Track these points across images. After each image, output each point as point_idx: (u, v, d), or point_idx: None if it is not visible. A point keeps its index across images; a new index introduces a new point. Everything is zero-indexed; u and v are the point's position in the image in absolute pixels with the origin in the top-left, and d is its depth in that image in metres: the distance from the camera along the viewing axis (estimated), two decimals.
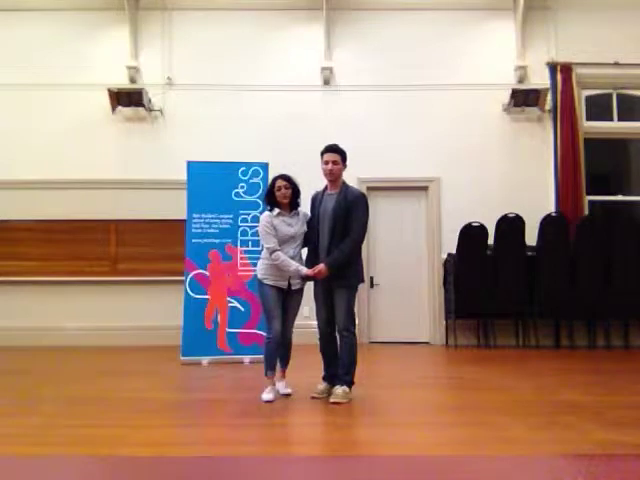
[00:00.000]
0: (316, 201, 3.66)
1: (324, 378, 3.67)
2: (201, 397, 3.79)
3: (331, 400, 3.40)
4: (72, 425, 2.97)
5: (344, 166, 3.62)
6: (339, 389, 3.45)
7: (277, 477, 2.25)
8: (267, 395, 3.48)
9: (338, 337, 3.60)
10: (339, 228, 3.48)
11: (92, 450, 2.52)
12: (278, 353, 3.61)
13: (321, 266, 3.44)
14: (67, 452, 2.49)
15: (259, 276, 3.62)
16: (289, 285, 3.60)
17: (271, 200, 3.64)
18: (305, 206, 3.75)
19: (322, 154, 3.60)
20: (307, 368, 3.99)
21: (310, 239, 3.64)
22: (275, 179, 3.64)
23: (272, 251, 3.51)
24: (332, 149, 3.58)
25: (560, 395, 3.73)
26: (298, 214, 3.70)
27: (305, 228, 3.66)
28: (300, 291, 3.68)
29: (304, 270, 3.49)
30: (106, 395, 3.77)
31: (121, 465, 2.34)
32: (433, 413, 3.34)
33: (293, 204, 3.66)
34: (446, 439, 2.70)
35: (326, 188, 3.67)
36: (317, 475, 2.26)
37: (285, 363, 3.76)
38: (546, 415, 3.14)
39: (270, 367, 3.55)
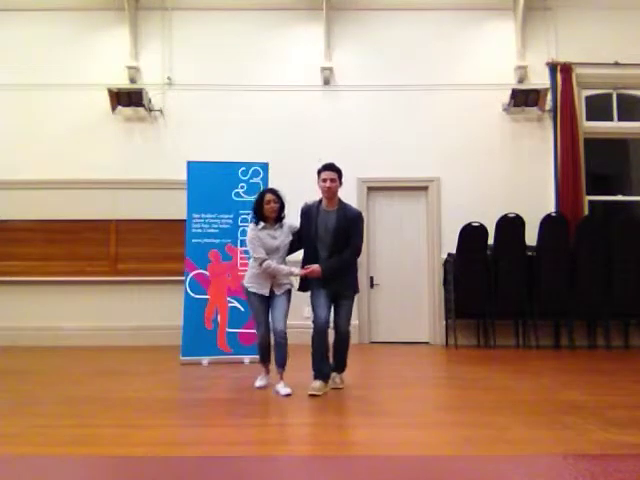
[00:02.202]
0: (311, 214, 3.81)
1: (317, 377, 3.77)
2: (201, 397, 3.79)
3: (333, 386, 3.84)
4: (72, 425, 2.97)
5: (340, 184, 3.80)
6: (337, 377, 3.93)
7: (277, 477, 2.25)
8: (259, 382, 3.94)
9: (336, 336, 3.86)
10: (340, 245, 3.72)
11: (92, 450, 2.52)
12: (268, 350, 3.96)
13: (315, 266, 3.70)
14: (67, 452, 2.49)
15: (245, 284, 3.92)
16: (272, 292, 3.86)
17: (258, 213, 3.87)
18: (295, 210, 3.96)
19: (319, 172, 3.78)
20: (307, 368, 3.99)
21: (306, 254, 3.85)
22: (264, 192, 3.91)
23: (262, 261, 3.77)
24: (330, 167, 3.76)
25: (560, 395, 3.73)
26: (282, 226, 3.92)
27: (290, 238, 3.90)
28: (286, 293, 3.92)
29: (296, 271, 3.79)
30: (106, 395, 3.77)
31: (121, 465, 2.34)
32: (433, 413, 3.34)
33: (278, 217, 3.90)
34: (446, 439, 2.70)
35: (320, 203, 3.83)
36: (317, 475, 2.26)
37: (282, 365, 3.83)
38: (546, 415, 3.14)
39: (263, 357, 3.97)
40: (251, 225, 3.94)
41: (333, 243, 3.72)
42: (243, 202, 5.47)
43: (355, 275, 3.93)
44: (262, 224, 3.87)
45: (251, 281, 3.88)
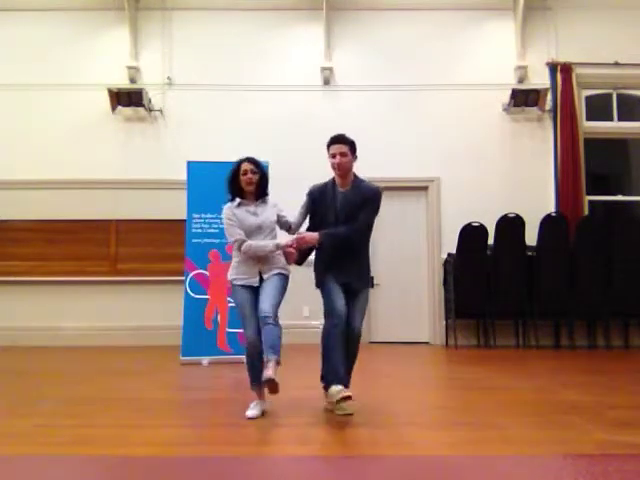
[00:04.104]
0: (326, 197, 3.23)
1: (334, 382, 3.03)
2: (201, 397, 3.79)
3: (340, 412, 3.08)
4: (72, 425, 2.96)
5: (354, 157, 3.25)
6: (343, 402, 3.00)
7: (277, 477, 2.25)
8: (251, 411, 3.07)
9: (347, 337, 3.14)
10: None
11: (92, 450, 2.52)
12: (259, 360, 3.12)
13: (309, 234, 3.13)
14: (67, 452, 2.49)
15: (229, 277, 3.23)
16: (260, 279, 3.20)
17: (234, 188, 3.23)
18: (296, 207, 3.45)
19: (328, 146, 3.22)
20: (309, 369, 3.98)
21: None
22: (240, 162, 3.24)
23: (240, 243, 3.12)
24: (339, 140, 3.20)
25: (560, 395, 3.73)
26: (265, 203, 3.30)
27: (275, 218, 3.28)
28: (277, 276, 3.21)
29: (282, 242, 3.16)
30: (106, 395, 3.77)
31: (121, 465, 2.34)
32: (433, 413, 3.34)
33: (259, 193, 3.27)
34: (446, 439, 2.70)
35: (334, 183, 3.28)
36: (317, 475, 2.26)
37: (272, 349, 3.04)
38: (546, 415, 3.14)
39: (254, 377, 3.16)
40: (226, 205, 3.24)
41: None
42: None
43: (369, 268, 3.32)
44: (238, 200, 3.23)
45: (237, 272, 3.20)
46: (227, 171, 3.26)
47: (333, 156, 3.20)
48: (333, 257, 3.20)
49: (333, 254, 3.20)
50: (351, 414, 3.12)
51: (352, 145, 3.24)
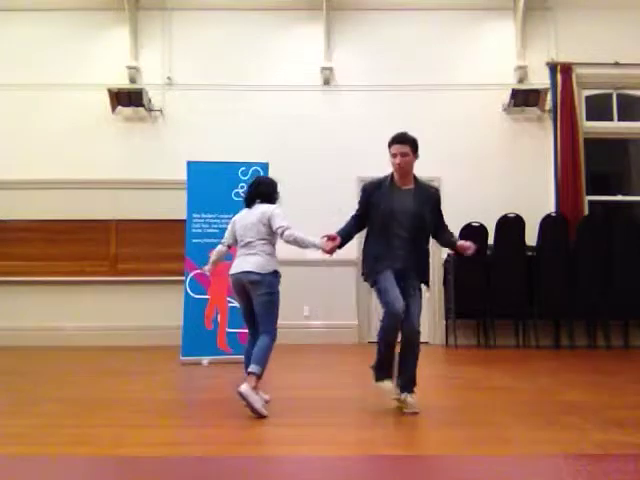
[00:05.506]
0: (381, 194, 3.21)
1: (388, 376, 3.22)
2: (201, 397, 3.79)
3: (409, 411, 3.09)
4: (72, 425, 2.96)
5: (415, 157, 3.23)
6: (409, 397, 3.14)
7: (277, 477, 2.25)
8: (261, 407, 3.07)
9: (403, 338, 3.17)
10: (418, 228, 3.26)
11: (92, 450, 2.51)
12: None
13: (469, 244, 3.50)
14: (67, 452, 2.49)
15: (277, 268, 3.27)
16: None
17: (277, 197, 3.53)
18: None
19: (389, 145, 3.24)
20: (307, 368, 3.99)
21: (375, 236, 3.26)
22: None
23: (287, 228, 3.22)
24: (400, 139, 3.21)
25: (560, 395, 3.73)
26: None
27: None
28: None
29: (318, 242, 3.21)
30: (106, 395, 3.77)
31: (121, 465, 2.34)
32: (433, 413, 3.33)
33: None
34: (446, 439, 2.70)
35: (392, 180, 3.25)
36: (317, 475, 2.26)
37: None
38: (546, 415, 3.14)
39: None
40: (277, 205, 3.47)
41: (416, 225, 3.21)
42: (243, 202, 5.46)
43: (428, 264, 3.40)
44: None
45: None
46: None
47: (394, 156, 3.19)
48: (387, 247, 3.18)
49: (388, 244, 3.18)
50: (417, 412, 3.08)
51: (413, 144, 3.22)
